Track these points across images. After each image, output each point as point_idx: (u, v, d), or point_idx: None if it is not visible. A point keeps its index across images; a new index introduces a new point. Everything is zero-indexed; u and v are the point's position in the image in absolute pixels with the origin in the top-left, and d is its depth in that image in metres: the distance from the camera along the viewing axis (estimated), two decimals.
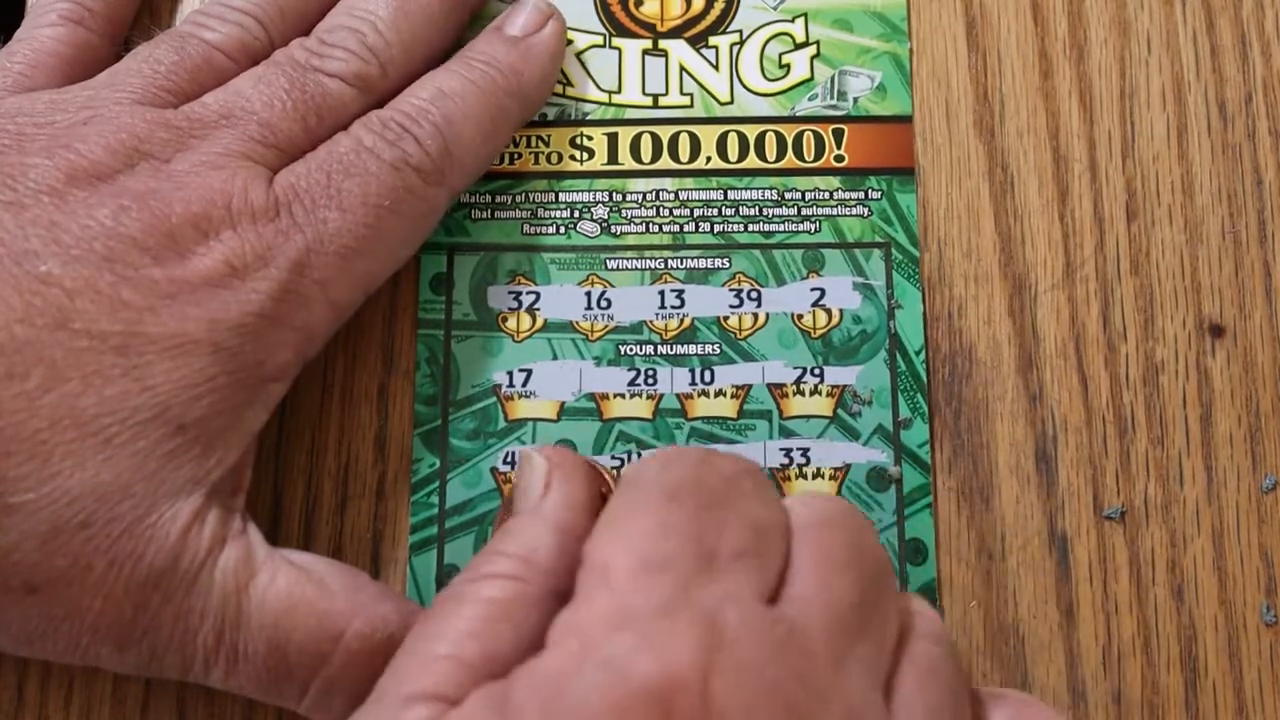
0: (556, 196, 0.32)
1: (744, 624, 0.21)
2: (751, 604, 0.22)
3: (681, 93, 0.33)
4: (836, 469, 0.30)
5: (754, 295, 0.31)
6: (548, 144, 0.32)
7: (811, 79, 0.33)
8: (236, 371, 0.26)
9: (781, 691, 0.21)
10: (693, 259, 0.32)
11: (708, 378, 0.31)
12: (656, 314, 0.31)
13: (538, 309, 0.31)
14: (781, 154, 0.32)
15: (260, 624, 0.26)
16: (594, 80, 0.33)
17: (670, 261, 0.32)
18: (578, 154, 0.32)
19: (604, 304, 0.31)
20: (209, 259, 0.26)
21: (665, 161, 0.32)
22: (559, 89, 0.33)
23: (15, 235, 0.25)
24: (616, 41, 0.33)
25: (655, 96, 0.33)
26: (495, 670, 0.22)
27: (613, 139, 0.32)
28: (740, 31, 0.33)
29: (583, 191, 0.32)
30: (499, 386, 0.31)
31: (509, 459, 0.30)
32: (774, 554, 0.23)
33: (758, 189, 0.32)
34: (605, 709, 0.20)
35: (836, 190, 0.32)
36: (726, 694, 0.20)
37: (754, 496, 0.24)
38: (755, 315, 0.31)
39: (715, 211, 0.32)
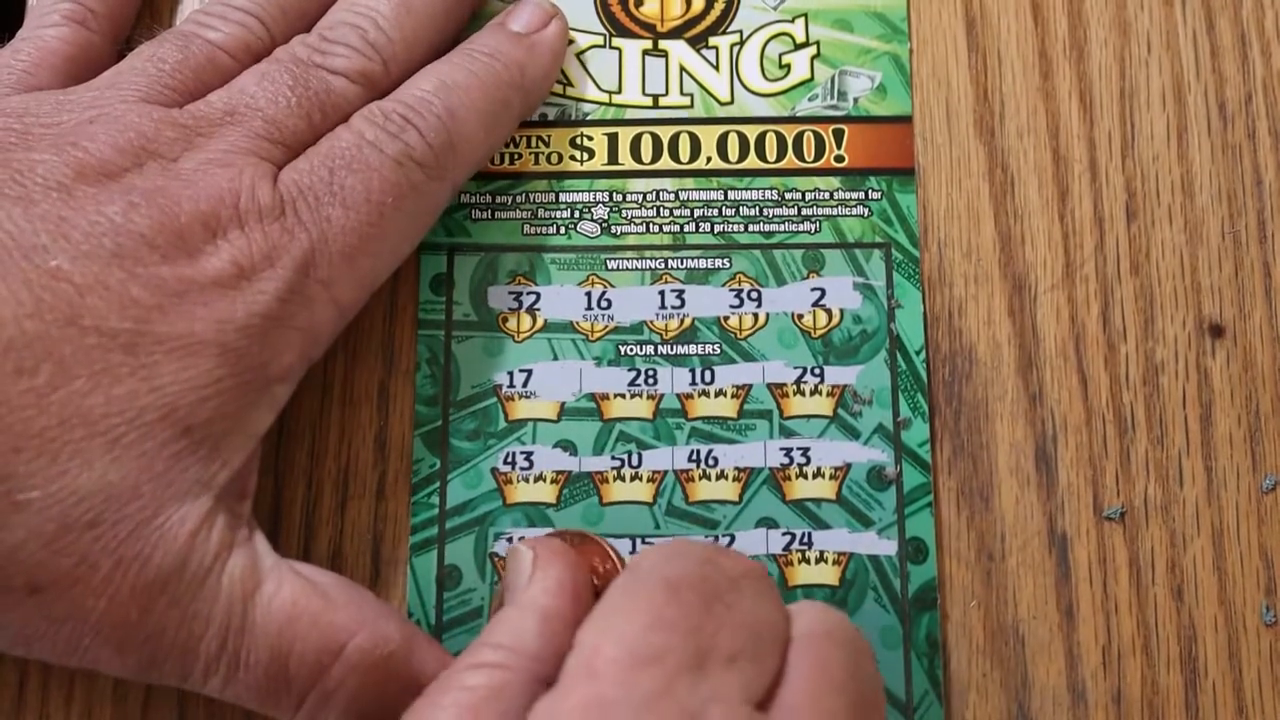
0: (557, 197, 0.32)
1: None
2: (738, 707, 0.21)
3: (681, 93, 0.33)
4: (837, 468, 0.30)
5: (754, 295, 0.31)
6: (548, 144, 0.32)
7: (812, 79, 0.33)
8: (243, 373, 0.26)
9: None
10: (693, 259, 0.32)
11: (708, 378, 0.31)
12: (657, 314, 0.31)
13: (538, 309, 0.31)
14: (782, 154, 0.32)
15: (264, 633, 0.26)
16: (594, 80, 0.33)
17: (670, 262, 0.32)
18: (578, 154, 0.32)
19: (604, 304, 0.31)
20: (217, 259, 0.26)
21: (665, 162, 0.32)
22: (559, 89, 0.33)
23: (25, 230, 0.25)
24: (616, 42, 0.33)
25: (655, 97, 0.33)
26: None
27: (613, 139, 0.32)
28: (740, 32, 0.33)
29: (583, 192, 0.32)
30: (499, 387, 0.31)
31: (509, 459, 0.30)
32: (769, 659, 0.22)
33: (758, 189, 0.32)
34: None
35: (837, 190, 0.32)
36: None
37: (756, 598, 0.23)
38: (755, 315, 0.31)
39: (715, 212, 0.32)
